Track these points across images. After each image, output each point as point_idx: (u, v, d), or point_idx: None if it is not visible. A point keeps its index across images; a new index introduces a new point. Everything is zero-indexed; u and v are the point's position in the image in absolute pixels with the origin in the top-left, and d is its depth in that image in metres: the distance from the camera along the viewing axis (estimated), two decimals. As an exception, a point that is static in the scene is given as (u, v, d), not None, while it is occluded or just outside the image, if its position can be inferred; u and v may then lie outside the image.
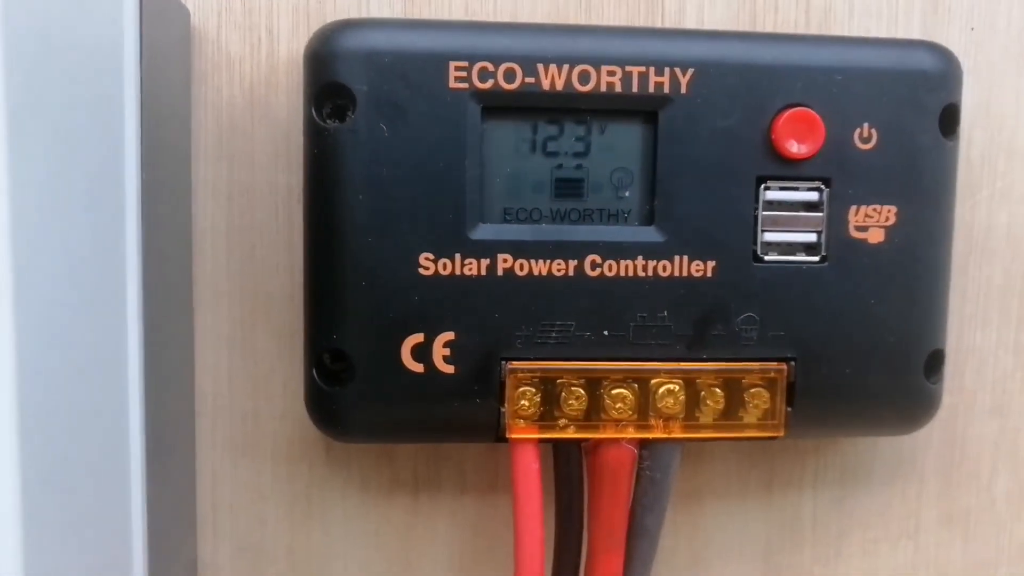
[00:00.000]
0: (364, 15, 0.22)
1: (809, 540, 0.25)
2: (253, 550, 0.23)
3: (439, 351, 0.20)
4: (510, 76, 0.20)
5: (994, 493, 0.25)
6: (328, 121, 0.20)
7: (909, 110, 0.21)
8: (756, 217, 0.21)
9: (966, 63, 0.23)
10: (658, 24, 0.23)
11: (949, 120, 0.21)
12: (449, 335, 0.20)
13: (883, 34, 0.24)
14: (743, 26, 0.23)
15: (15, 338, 0.13)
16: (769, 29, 0.23)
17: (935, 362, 0.22)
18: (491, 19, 0.22)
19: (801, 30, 0.23)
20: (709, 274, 0.21)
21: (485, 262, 0.20)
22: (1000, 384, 0.25)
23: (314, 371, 0.20)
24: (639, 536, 0.21)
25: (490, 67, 0.19)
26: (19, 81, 0.13)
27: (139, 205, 0.17)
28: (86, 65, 0.16)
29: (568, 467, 0.21)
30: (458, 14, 0.22)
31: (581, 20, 0.23)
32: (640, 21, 0.23)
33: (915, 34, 0.24)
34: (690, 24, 0.23)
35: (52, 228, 0.14)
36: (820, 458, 0.25)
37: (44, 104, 0.14)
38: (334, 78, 0.19)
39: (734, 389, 0.21)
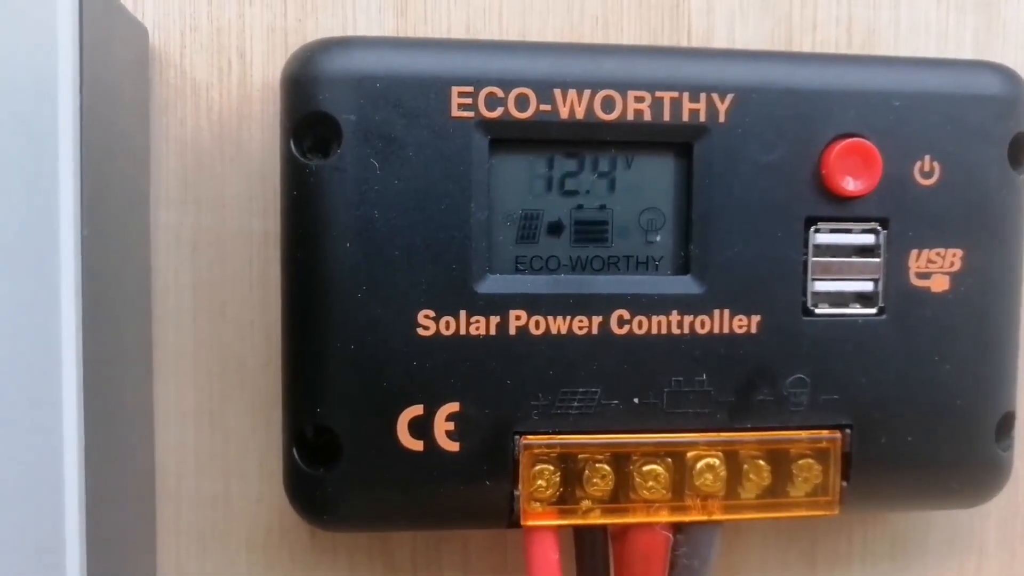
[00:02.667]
0: (350, 33, 0.19)
1: (857, 624, 0.22)
2: (224, 653, 0.20)
3: (441, 425, 0.17)
4: (522, 103, 0.17)
5: (1062, 567, 0.22)
6: (309, 157, 0.17)
7: (975, 140, 0.18)
8: (805, 264, 0.18)
9: (1025, 85, 0.20)
10: (684, 42, 0.20)
11: (1019, 151, 0.19)
12: (453, 406, 0.17)
13: (932, 53, 0.21)
14: (778, 45, 0.21)
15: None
16: (807, 48, 0.21)
17: (1006, 426, 0.19)
18: (498, 38, 0.19)
19: (843, 50, 0.21)
20: (753, 330, 0.18)
21: (495, 320, 0.17)
22: (1066, 445, 0.22)
23: (294, 450, 0.17)
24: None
25: (499, 93, 0.17)
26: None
27: (76, 258, 0.14)
28: (9, 92, 0.13)
29: (593, 556, 0.18)
30: (459, 32, 0.19)
31: (598, 38, 0.20)
32: (664, 39, 0.20)
33: (967, 53, 0.21)
34: (719, 42, 0.20)
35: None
36: (869, 530, 0.22)
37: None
38: (316, 107, 0.17)
39: (781, 461, 0.18)
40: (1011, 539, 0.22)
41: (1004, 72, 0.19)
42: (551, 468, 0.17)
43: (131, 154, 0.18)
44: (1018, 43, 0.21)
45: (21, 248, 0.13)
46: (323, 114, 0.17)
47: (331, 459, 0.17)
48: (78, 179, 0.14)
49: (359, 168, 0.17)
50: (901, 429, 0.18)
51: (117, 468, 0.17)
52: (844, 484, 0.18)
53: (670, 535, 0.18)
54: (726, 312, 0.18)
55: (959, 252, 0.18)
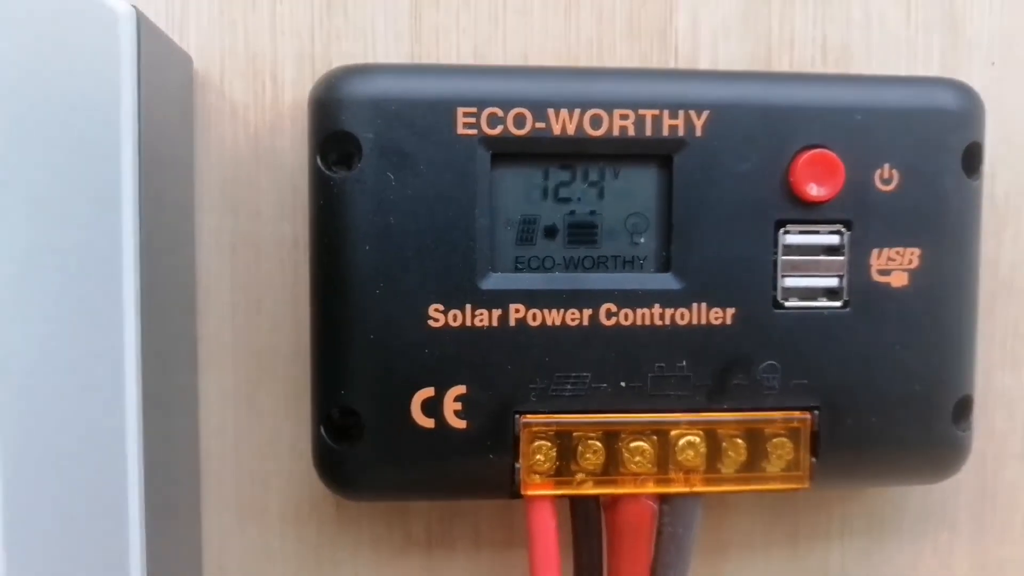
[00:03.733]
0: (370, 60, 0.21)
1: (837, 593, 0.24)
2: (261, 612, 0.22)
3: (450, 406, 0.19)
4: (520, 121, 0.19)
5: (1029, 542, 0.24)
6: (334, 170, 0.19)
7: (931, 150, 0.20)
8: (775, 262, 0.20)
9: (988, 99, 0.22)
10: (671, 63, 0.22)
11: (972, 159, 0.20)
12: (460, 389, 0.19)
13: (902, 71, 0.23)
14: (758, 64, 0.23)
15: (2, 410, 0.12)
16: (785, 66, 0.23)
17: (964, 409, 0.21)
18: (501, 62, 0.22)
19: (818, 67, 0.23)
20: (728, 322, 0.20)
21: (497, 313, 0.19)
22: (1031, 428, 0.24)
23: (322, 429, 0.20)
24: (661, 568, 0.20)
25: (499, 112, 0.19)
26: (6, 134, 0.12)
27: (137, 260, 0.16)
28: (79, 115, 0.15)
29: (586, 524, 0.21)
30: (467, 57, 0.22)
31: (592, 61, 0.22)
32: (653, 60, 0.22)
33: (935, 70, 0.23)
34: (704, 62, 0.22)
35: (43, 284, 0.13)
36: (846, 508, 0.24)
37: (31, 157, 0.13)
38: (339, 126, 0.19)
39: (756, 440, 0.20)
40: (980, 516, 0.24)
41: (960, 88, 0.21)
42: (548, 444, 0.20)
43: (178, 167, 0.20)
44: (981, 60, 0.23)
45: (89, 253, 0.16)
46: (345, 133, 0.19)
47: (354, 437, 0.20)
48: (137, 192, 0.16)
49: (377, 180, 0.19)
50: (865, 411, 0.20)
51: (169, 448, 0.19)
52: (813, 460, 0.20)
53: (656, 505, 0.20)
54: (703, 305, 0.20)
55: (917, 251, 0.20)
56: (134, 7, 0.16)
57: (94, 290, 0.16)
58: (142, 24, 0.17)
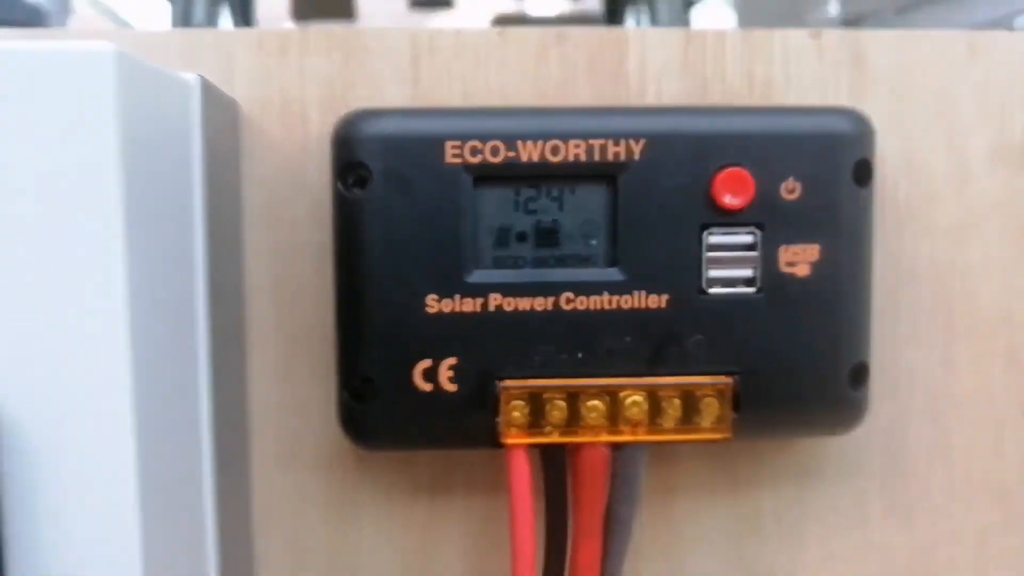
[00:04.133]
0: (379, 103, 0.27)
1: (771, 532, 0.29)
2: (297, 546, 0.28)
3: (444, 373, 0.25)
4: (495, 151, 0.24)
5: (930, 487, 0.29)
6: (351, 191, 0.24)
7: (827, 165, 0.25)
8: (701, 258, 0.25)
9: (889, 122, 0.27)
10: (624, 97, 0.27)
11: (861, 173, 0.25)
12: (452, 360, 0.25)
13: (816, 99, 0.28)
14: (696, 96, 0.28)
15: (134, 382, 0.18)
16: (717, 97, 0.28)
17: (859, 374, 0.26)
18: (484, 102, 0.27)
19: (746, 99, 0.28)
20: (664, 306, 0.25)
21: (480, 301, 0.25)
22: (931, 393, 0.29)
23: (345, 393, 0.25)
24: (615, 523, 0.26)
25: (479, 145, 0.24)
26: (129, 179, 0.18)
27: (206, 267, 0.22)
28: (165, 160, 0.21)
29: (554, 467, 0.26)
30: (456, 99, 0.27)
31: (560, 98, 0.27)
32: (608, 95, 0.27)
33: (844, 99, 0.28)
34: (651, 97, 0.28)
35: (150, 290, 0.19)
36: (778, 459, 0.29)
37: (143, 193, 0.19)
38: (355, 157, 0.24)
39: (689, 399, 0.25)
40: (889, 466, 0.29)
41: (852, 114, 0.26)
42: (522, 403, 0.25)
43: (230, 191, 0.26)
44: (881, 91, 0.28)
45: (174, 261, 0.21)
46: (360, 162, 0.24)
47: (370, 399, 0.25)
48: (204, 213, 0.22)
49: (384, 199, 0.24)
50: (776, 376, 0.25)
51: (228, 410, 0.25)
52: (735, 416, 0.25)
53: (609, 451, 0.25)
54: (643, 293, 0.25)
55: (816, 247, 0.25)
56: (200, 76, 0.22)
57: (178, 289, 0.21)
58: (205, 87, 0.22)
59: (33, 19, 0.55)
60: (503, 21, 2.91)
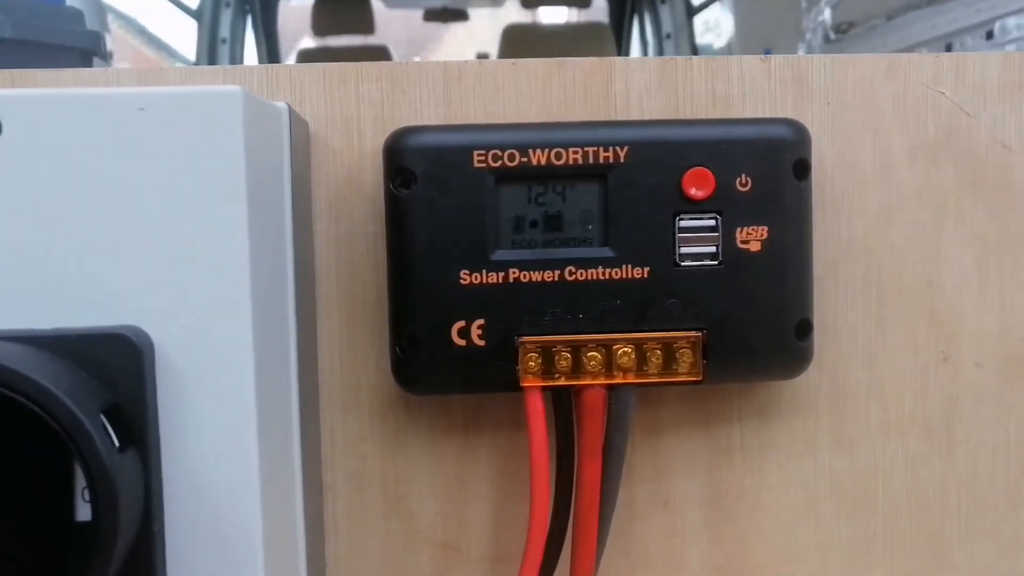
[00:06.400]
0: (419, 122, 0.34)
1: (739, 459, 0.36)
2: (357, 475, 0.35)
3: (475, 332, 0.32)
4: (512, 157, 0.31)
5: (868, 423, 0.36)
6: (400, 190, 0.31)
7: (771, 164, 0.32)
8: (675, 238, 0.32)
9: (825, 128, 0.34)
10: (612, 113, 0.34)
11: (800, 169, 0.32)
12: (481, 321, 0.32)
13: (766, 111, 0.35)
14: (669, 110, 0.35)
15: (254, 333, 0.25)
16: (688, 113, 0.35)
17: (803, 328, 0.33)
18: (502, 119, 0.34)
19: (709, 110, 0.35)
20: (646, 276, 0.32)
21: (501, 274, 0.32)
22: (868, 346, 0.36)
23: (397, 349, 0.32)
24: (611, 449, 0.32)
25: (499, 153, 0.31)
26: (249, 187, 0.25)
27: (293, 251, 0.29)
28: (268, 167, 0.28)
29: (562, 406, 0.33)
30: (481, 115, 0.34)
31: (561, 115, 0.34)
32: (600, 111, 0.34)
33: (788, 110, 0.35)
34: (634, 113, 0.34)
35: (261, 267, 0.26)
36: (743, 401, 0.36)
37: (256, 196, 0.26)
38: (403, 164, 0.31)
39: (668, 350, 0.32)
40: (834, 405, 0.36)
41: (792, 124, 0.33)
42: (536, 355, 0.32)
43: (305, 191, 0.33)
44: (817, 103, 0.35)
45: (271, 242, 0.28)
46: (407, 168, 0.31)
47: (416, 354, 0.32)
48: (290, 208, 0.29)
49: (426, 196, 0.31)
50: (736, 330, 0.32)
51: (305, 367, 0.32)
52: (705, 363, 0.32)
53: (605, 392, 0.32)
54: (629, 266, 0.32)
55: (765, 228, 0.32)
56: (287, 104, 0.29)
57: (275, 267, 0.28)
58: (290, 111, 0.29)
59: (95, 45, 0.62)
60: (514, 30, 2.98)
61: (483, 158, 0.31)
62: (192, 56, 2.53)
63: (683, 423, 0.36)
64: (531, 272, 0.32)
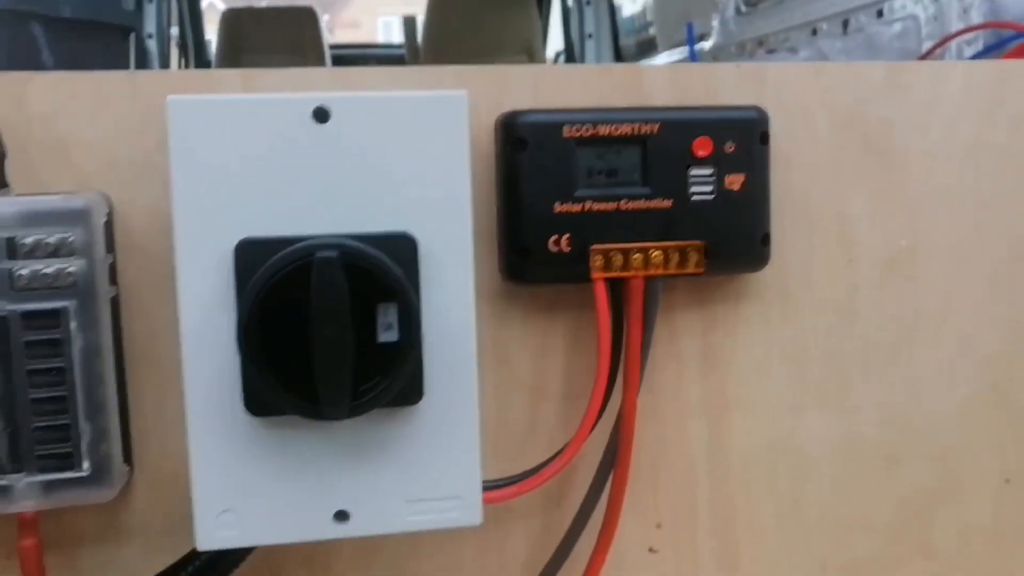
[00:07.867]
0: (517, 106, 0.51)
1: (721, 327, 0.55)
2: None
3: (564, 242, 0.50)
4: (588, 129, 0.49)
5: (801, 304, 0.55)
6: (516, 154, 0.49)
7: (746, 134, 0.51)
8: (688, 181, 0.50)
9: (777, 111, 0.53)
10: (645, 101, 0.53)
11: (763, 138, 0.51)
12: (567, 236, 0.49)
13: (740, 100, 0.53)
14: (681, 100, 0.53)
15: (471, 248, 0.43)
16: (691, 100, 0.53)
17: (765, 239, 0.52)
18: (576, 104, 0.52)
19: (703, 101, 0.53)
20: (670, 206, 0.50)
21: (581, 205, 0.49)
22: (802, 253, 0.55)
23: (512, 256, 0.50)
24: (647, 319, 0.51)
25: (579, 127, 0.49)
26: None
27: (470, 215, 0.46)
28: (450, 155, 0.45)
29: (616, 291, 0.51)
30: (560, 100, 0.52)
31: (615, 102, 0.52)
32: (636, 100, 0.52)
33: (754, 100, 0.53)
34: (658, 99, 0.53)
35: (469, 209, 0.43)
36: (725, 288, 0.55)
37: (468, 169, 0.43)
38: (518, 134, 0.49)
39: (685, 254, 0.51)
40: (781, 290, 0.55)
41: (759, 109, 0.51)
42: (601, 257, 0.50)
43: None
44: (771, 95, 0.54)
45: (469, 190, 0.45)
46: (521, 137, 0.49)
47: (526, 259, 0.50)
48: (468, 178, 0.46)
49: (533, 156, 0.49)
50: (726, 240, 0.51)
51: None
52: (706, 262, 0.51)
53: (644, 281, 0.51)
54: (660, 199, 0.50)
55: (743, 175, 0.51)
56: (464, 92, 0.46)
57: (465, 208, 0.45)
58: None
59: (133, 22, 0.76)
60: None
61: (569, 130, 0.49)
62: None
63: (689, 304, 0.55)
64: (599, 203, 0.50)
